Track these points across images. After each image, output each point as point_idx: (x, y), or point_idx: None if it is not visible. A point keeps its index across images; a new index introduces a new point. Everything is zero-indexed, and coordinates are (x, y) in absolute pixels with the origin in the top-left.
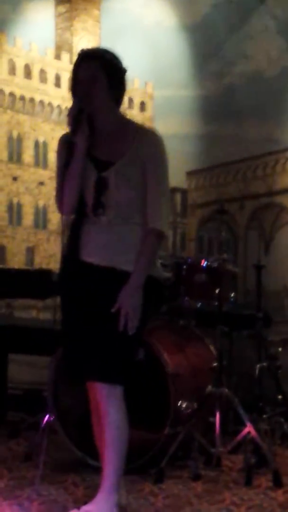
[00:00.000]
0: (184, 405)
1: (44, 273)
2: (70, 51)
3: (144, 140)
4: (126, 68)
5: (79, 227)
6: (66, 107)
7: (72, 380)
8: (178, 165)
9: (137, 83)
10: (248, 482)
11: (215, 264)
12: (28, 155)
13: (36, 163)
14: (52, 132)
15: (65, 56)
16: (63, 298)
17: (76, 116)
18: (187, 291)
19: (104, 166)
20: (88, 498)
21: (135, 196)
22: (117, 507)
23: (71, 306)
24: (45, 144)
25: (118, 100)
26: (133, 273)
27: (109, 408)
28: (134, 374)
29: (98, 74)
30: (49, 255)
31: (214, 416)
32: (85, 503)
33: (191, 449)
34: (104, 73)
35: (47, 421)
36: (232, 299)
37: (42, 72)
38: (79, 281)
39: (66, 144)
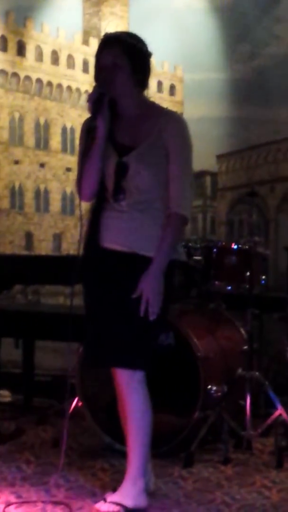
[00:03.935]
0: (214, 389)
1: (71, 259)
2: (98, 36)
3: (167, 124)
4: (151, 52)
5: (100, 212)
6: None
7: (94, 366)
8: (208, 148)
9: (166, 66)
10: (279, 465)
11: (246, 247)
12: (55, 142)
13: (64, 149)
14: (79, 118)
15: (93, 41)
16: (84, 284)
17: (96, 101)
18: (217, 274)
19: (125, 151)
20: (116, 483)
21: (156, 180)
22: (144, 493)
23: (93, 293)
24: (72, 130)
25: (143, 84)
26: (155, 259)
27: (130, 394)
28: (162, 358)
29: (121, 60)
30: (77, 241)
31: (245, 399)
32: (113, 488)
33: (221, 433)
34: (127, 58)
35: (73, 407)
36: (263, 282)
37: (70, 58)
38: (100, 267)
39: (87, 129)
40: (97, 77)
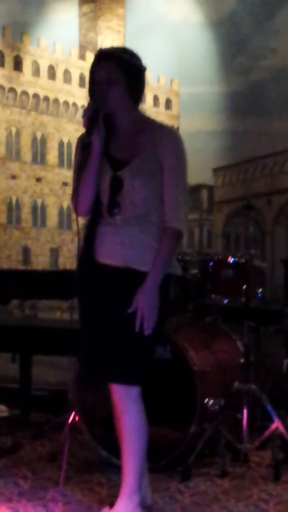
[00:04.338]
0: (211, 402)
1: (67, 274)
2: (94, 50)
3: (162, 139)
4: (145, 66)
5: (95, 227)
6: None
7: (89, 381)
8: (205, 162)
9: (162, 80)
10: (276, 478)
11: (242, 260)
12: (52, 156)
13: (60, 164)
14: (76, 132)
15: (89, 56)
16: (80, 299)
17: (91, 116)
18: (213, 287)
19: (120, 166)
20: (113, 498)
21: (151, 195)
22: (140, 507)
23: (88, 308)
24: (69, 145)
25: (138, 99)
26: (150, 273)
27: (126, 409)
28: (159, 373)
29: (115, 75)
30: (74, 255)
31: (242, 412)
32: (110, 503)
33: (218, 446)
34: (121, 74)
35: (70, 421)
36: (259, 295)
37: (66, 72)
38: (95, 282)
39: (82, 145)
40: (92, 92)
